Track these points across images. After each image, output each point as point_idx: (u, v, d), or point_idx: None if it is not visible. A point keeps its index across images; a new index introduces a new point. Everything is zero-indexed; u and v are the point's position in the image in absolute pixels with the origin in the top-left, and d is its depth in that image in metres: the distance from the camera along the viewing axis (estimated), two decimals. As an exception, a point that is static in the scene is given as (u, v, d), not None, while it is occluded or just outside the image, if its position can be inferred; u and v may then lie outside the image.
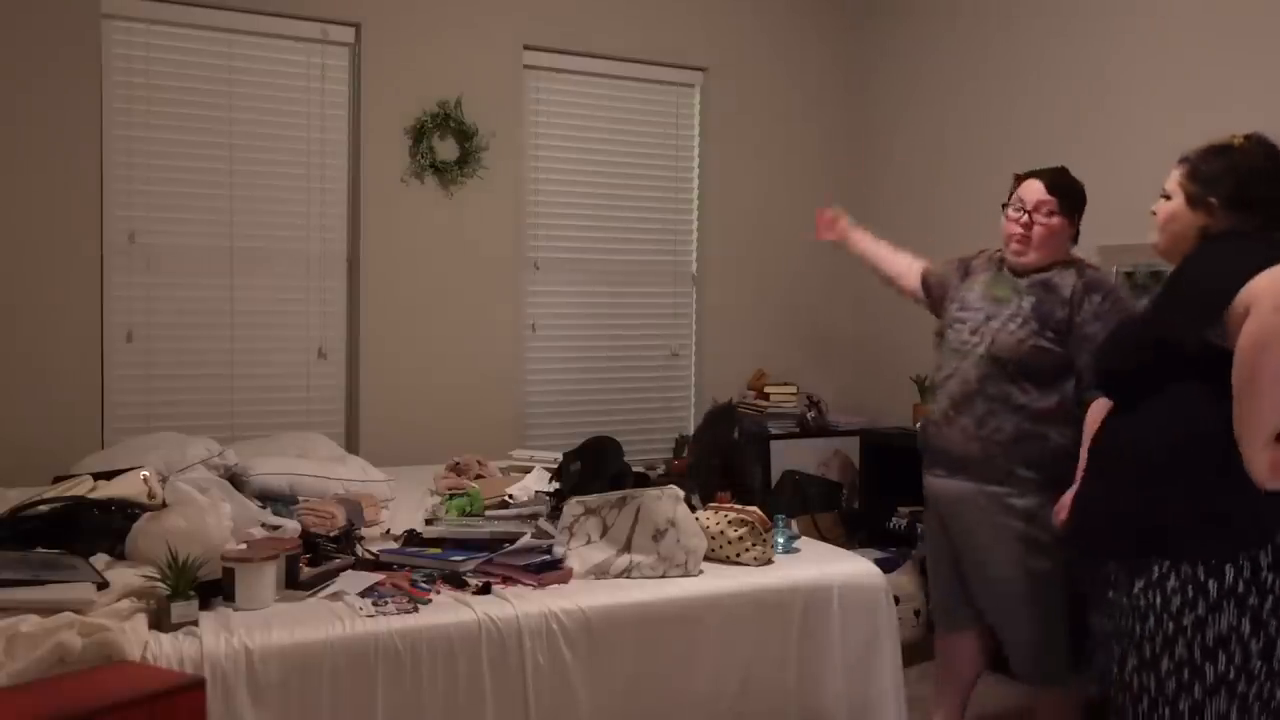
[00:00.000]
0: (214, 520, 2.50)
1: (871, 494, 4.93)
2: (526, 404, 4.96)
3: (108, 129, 4.17)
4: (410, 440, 4.57)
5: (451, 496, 3.43)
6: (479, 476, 3.78)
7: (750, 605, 2.76)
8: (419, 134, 4.66)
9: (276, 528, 2.82)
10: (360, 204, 4.58)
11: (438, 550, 2.86)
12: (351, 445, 4.51)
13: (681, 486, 3.10)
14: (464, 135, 4.74)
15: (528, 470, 3.81)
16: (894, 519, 4.81)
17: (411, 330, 4.67)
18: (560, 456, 3.84)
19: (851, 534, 4.79)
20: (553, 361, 5.04)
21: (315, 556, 2.76)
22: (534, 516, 3.22)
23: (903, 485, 4.84)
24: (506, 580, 2.69)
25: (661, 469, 5.05)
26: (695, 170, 5.36)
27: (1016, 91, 4.71)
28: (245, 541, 2.58)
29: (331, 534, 2.96)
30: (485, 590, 2.61)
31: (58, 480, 3.23)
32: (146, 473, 2.90)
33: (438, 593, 2.59)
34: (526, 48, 4.90)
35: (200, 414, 4.30)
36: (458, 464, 3.89)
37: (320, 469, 3.53)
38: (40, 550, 2.51)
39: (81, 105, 4.09)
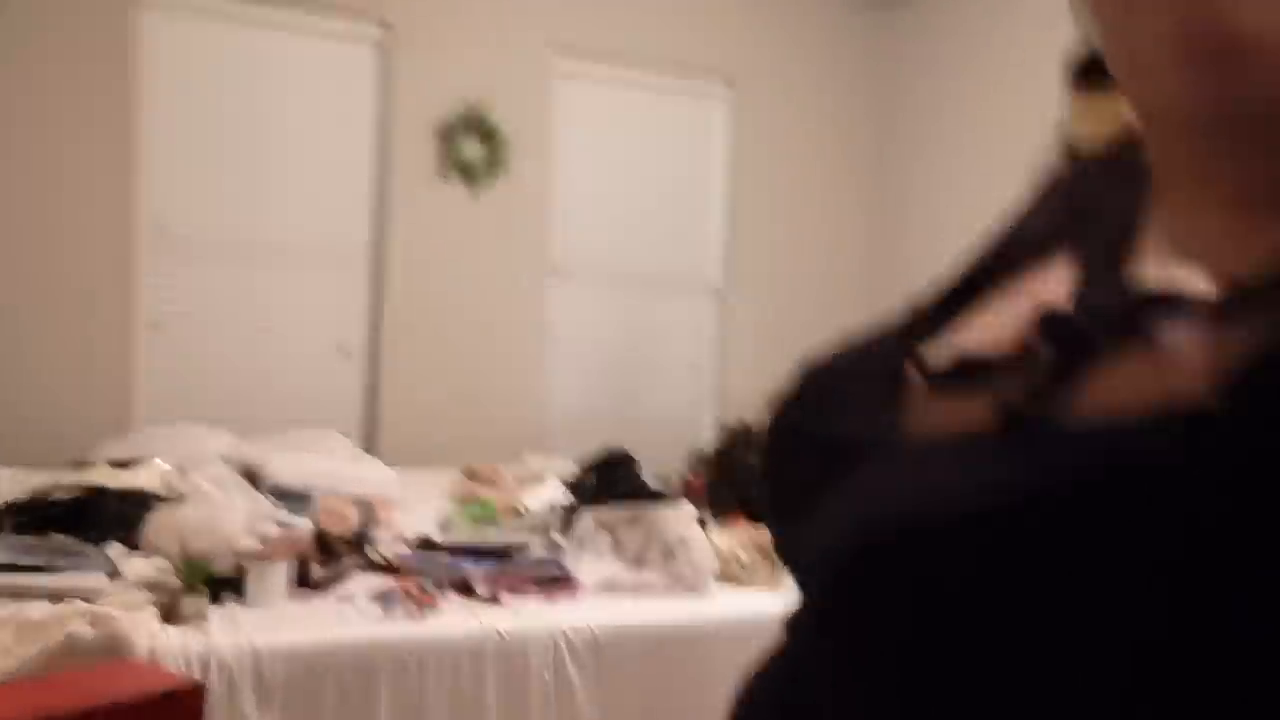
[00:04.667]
0: (228, 515, 2.50)
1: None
2: (544, 410, 4.95)
3: (140, 119, 4.19)
4: (427, 441, 4.57)
5: (466, 504, 3.43)
6: (494, 484, 3.77)
7: (761, 627, 2.74)
8: (447, 134, 4.67)
9: (290, 526, 2.82)
10: (387, 202, 4.59)
11: (449, 557, 2.86)
12: (369, 444, 4.51)
13: (696, 505, 3.09)
14: (491, 137, 4.74)
15: (542, 480, 3.80)
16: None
17: (433, 331, 4.68)
18: (575, 468, 3.85)
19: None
20: (572, 369, 5.04)
21: (328, 557, 2.76)
22: (547, 528, 3.22)
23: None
24: (515, 591, 2.68)
25: (676, 484, 5.05)
26: (722, 182, 5.35)
27: (1055, 91, 4.68)
28: (259, 538, 2.58)
29: (345, 535, 2.97)
30: (494, 600, 2.60)
31: (77, 466, 3.25)
32: (164, 464, 2.90)
33: (447, 600, 2.59)
34: (556, 53, 4.91)
35: (222, 405, 4.31)
36: (474, 471, 3.88)
37: (336, 468, 3.53)
38: (56, 536, 2.52)
39: (114, 93, 4.13)
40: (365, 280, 4.62)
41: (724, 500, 3.58)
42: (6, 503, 2.70)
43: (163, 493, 2.71)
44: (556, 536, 3.10)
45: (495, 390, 4.80)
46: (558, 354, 4.99)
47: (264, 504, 2.82)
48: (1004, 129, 4.91)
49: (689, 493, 5.04)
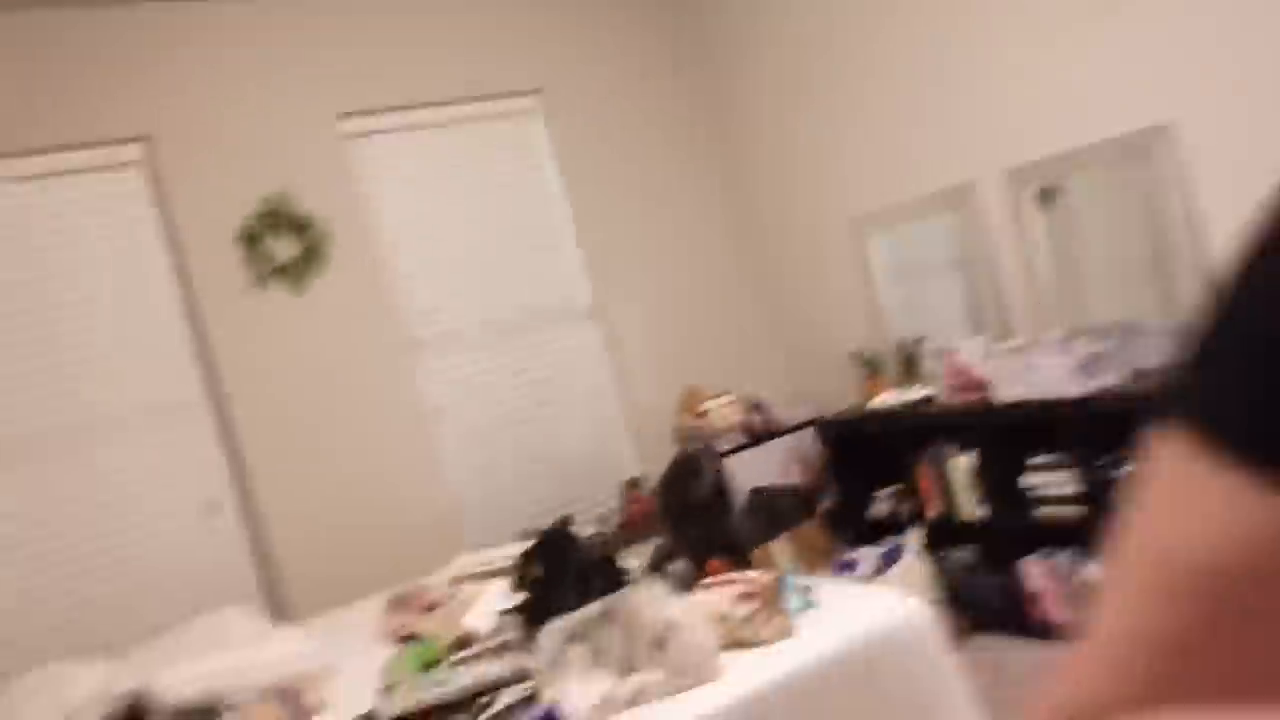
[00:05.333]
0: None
1: (845, 486, 4.54)
2: (453, 499, 4.42)
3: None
4: (339, 579, 4.02)
5: (405, 646, 2.91)
6: (427, 609, 3.25)
7: (787, 695, 2.31)
8: (250, 239, 4.10)
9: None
10: (205, 335, 4.00)
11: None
12: (276, 607, 3.93)
13: (642, 534, 2.65)
14: (301, 228, 4.19)
15: (482, 585, 3.30)
16: (873, 506, 4.45)
17: (304, 458, 4.11)
18: (509, 554, 3.37)
19: (838, 537, 4.39)
20: (469, 442, 4.52)
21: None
22: (505, 649, 2.73)
23: (873, 469, 4.49)
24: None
25: (616, 518, 4.62)
26: (562, 198, 4.88)
27: (877, 55, 4.36)
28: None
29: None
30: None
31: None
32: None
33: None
34: (342, 116, 4.37)
35: (88, 623, 3.69)
36: (401, 599, 3.36)
37: (239, 660, 2.97)
38: None
39: None
40: (211, 427, 4.02)
41: (689, 547, 3.12)
42: None
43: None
44: (521, 658, 2.61)
45: (393, 496, 4.26)
46: (449, 432, 4.47)
47: None
48: (831, 84, 4.58)
49: (631, 524, 4.63)
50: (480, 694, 2.44)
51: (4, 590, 3.61)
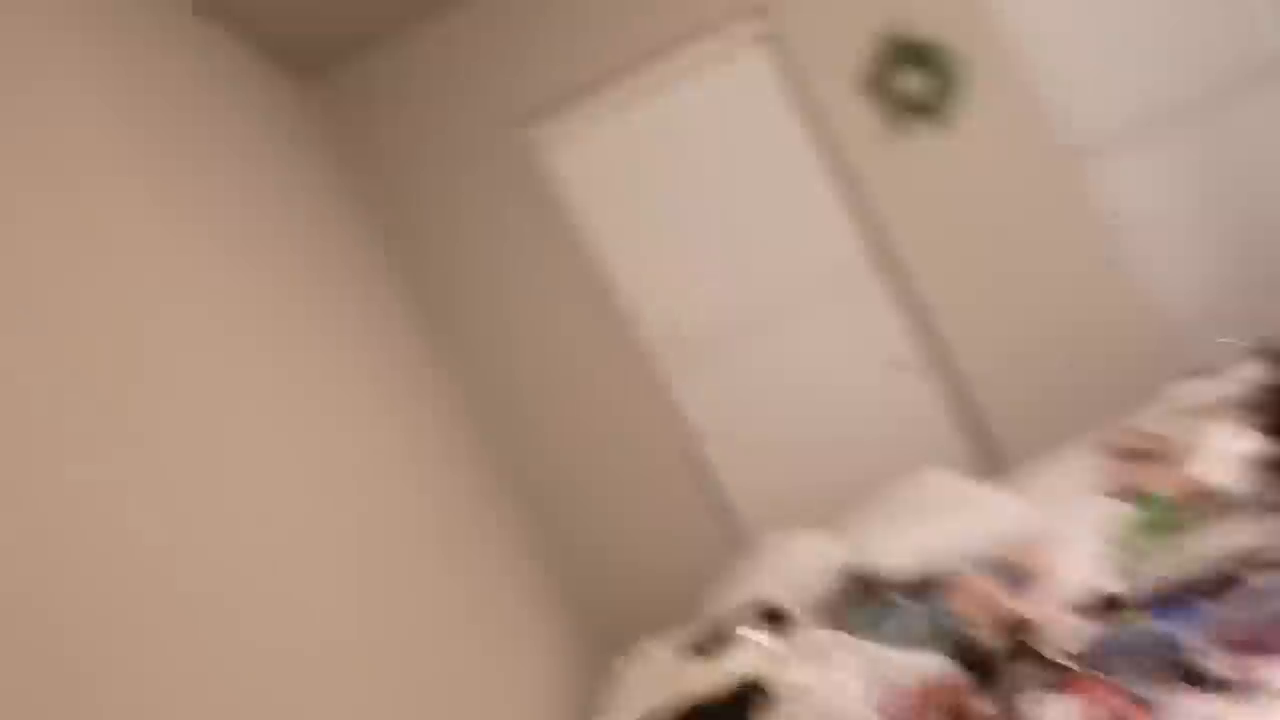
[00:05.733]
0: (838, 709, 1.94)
1: None
2: (1158, 318, 3.87)
3: (586, 236, 3.93)
4: (1044, 423, 3.76)
5: (1135, 507, 2.57)
6: (1157, 457, 2.85)
7: None
8: (877, 83, 3.87)
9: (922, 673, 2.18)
10: (855, 193, 3.90)
11: (1154, 623, 2.05)
12: (982, 461, 3.80)
13: None
14: (926, 57, 3.86)
15: (1205, 422, 2.81)
16: None
17: (983, 298, 3.86)
18: (1241, 382, 2.84)
19: None
20: (1165, 250, 3.90)
21: (986, 678, 2.09)
22: (1260, 507, 2.28)
23: None
24: (1270, 652, 1.81)
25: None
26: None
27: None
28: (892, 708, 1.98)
29: (1006, 632, 2.28)
30: (1248, 685, 1.76)
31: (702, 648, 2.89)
32: (760, 637, 2.43)
33: (1179, 705, 1.79)
34: (954, -84, 3.92)
35: (795, 498, 3.88)
36: (1116, 445, 3.00)
37: (954, 528, 2.85)
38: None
39: (545, 219, 3.92)
40: (882, 284, 3.93)
41: None
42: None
43: (766, 688, 2.20)
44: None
45: (1088, 323, 3.84)
46: (1138, 242, 3.90)
47: (880, 655, 2.20)
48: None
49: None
50: (1234, 572, 2.05)
51: (726, 467, 3.91)
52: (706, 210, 3.93)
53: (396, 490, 2.95)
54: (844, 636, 2.27)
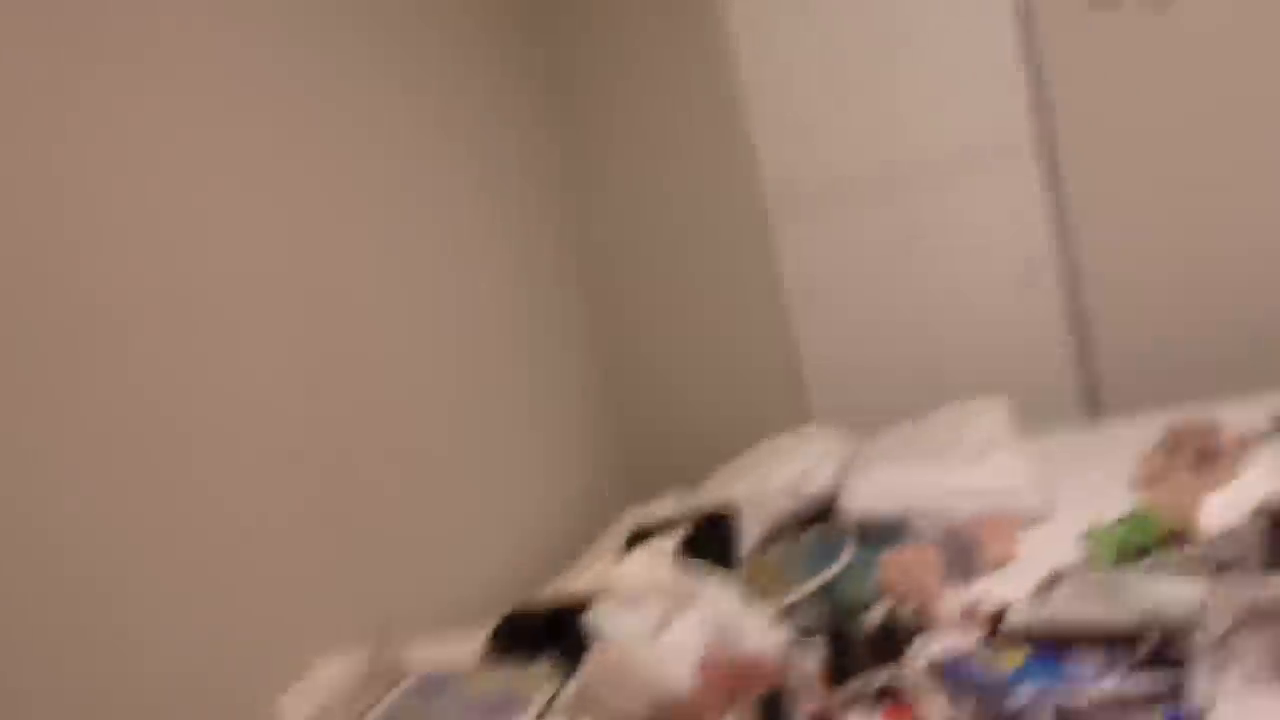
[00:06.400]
0: (645, 655, 1.83)
1: None
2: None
3: (739, 60, 3.61)
4: (1165, 373, 3.27)
5: (1134, 515, 2.21)
6: (1207, 460, 2.43)
7: None
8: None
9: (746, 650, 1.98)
10: (1042, 65, 3.36)
11: (1014, 657, 1.79)
12: (1088, 395, 3.38)
13: None
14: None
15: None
16: None
17: (1142, 220, 3.32)
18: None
19: None
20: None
21: (845, 669, 1.90)
22: (1235, 565, 1.90)
23: None
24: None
25: None
26: None
27: None
28: (707, 673, 1.85)
29: (916, 608, 2.06)
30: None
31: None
32: (648, 559, 2.30)
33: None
34: None
35: (897, 372, 3.58)
36: (1180, 437, 2.56)
37: (951, 476, 2.57)
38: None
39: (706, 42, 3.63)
40: (1038, 174, 3.42)
41: None
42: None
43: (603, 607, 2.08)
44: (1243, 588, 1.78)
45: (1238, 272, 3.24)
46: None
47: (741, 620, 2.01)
48: None
49: None
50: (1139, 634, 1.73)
51: (815, 326, 3.66)
52: (872, 50, 3.50)
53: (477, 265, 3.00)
54: (713, 584, 2.11)
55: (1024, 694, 1.66)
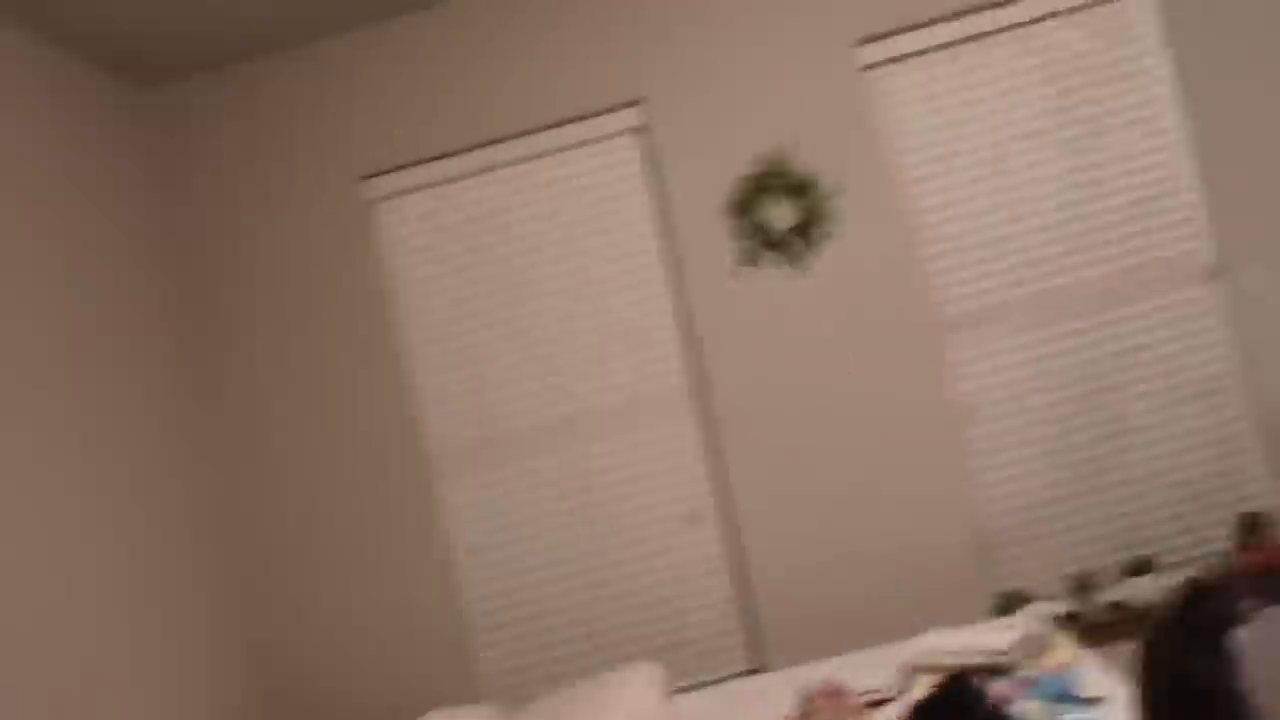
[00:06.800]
0: None
1: None
2: (980, 528, 3.51)
3: (402, 327, 3.66)
4: (823, 622, 3.43)
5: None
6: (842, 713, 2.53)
7: None
8: (742, 208, 3.54)
9: None
10: (691, 319, 3.57)
11: None
12: (751, 645, 3.49)
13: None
14: (801, 191, 3.52)
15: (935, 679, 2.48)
16: None
17: (794, 471, 3.51)
18: (987, 651, 2.52)
19: None
20: (1007, 453, 3.53)
21: None
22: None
23: None
24: None
25: (1225, 568, 3.34)
26: (1167, 94, 3.50)
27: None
28: None
29: None
30: None
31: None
32: None
33: None
34: (862, 42, 3.55)
35: (561, 630, 3.59)
36: (812, 700, 2.67)
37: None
38: None
39: (371, 307, 3.65)
40: (695, 426, 3.60)
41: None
42: None
43: None
44: None
45: (904, 522, 3.48)
46: (987, 439, 3.52)
47: None
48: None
49: (1250, 573, 3.29)
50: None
51: (480, 581, 3.64)
52: (529, 298, 3.64)
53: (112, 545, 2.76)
54: None
55: None
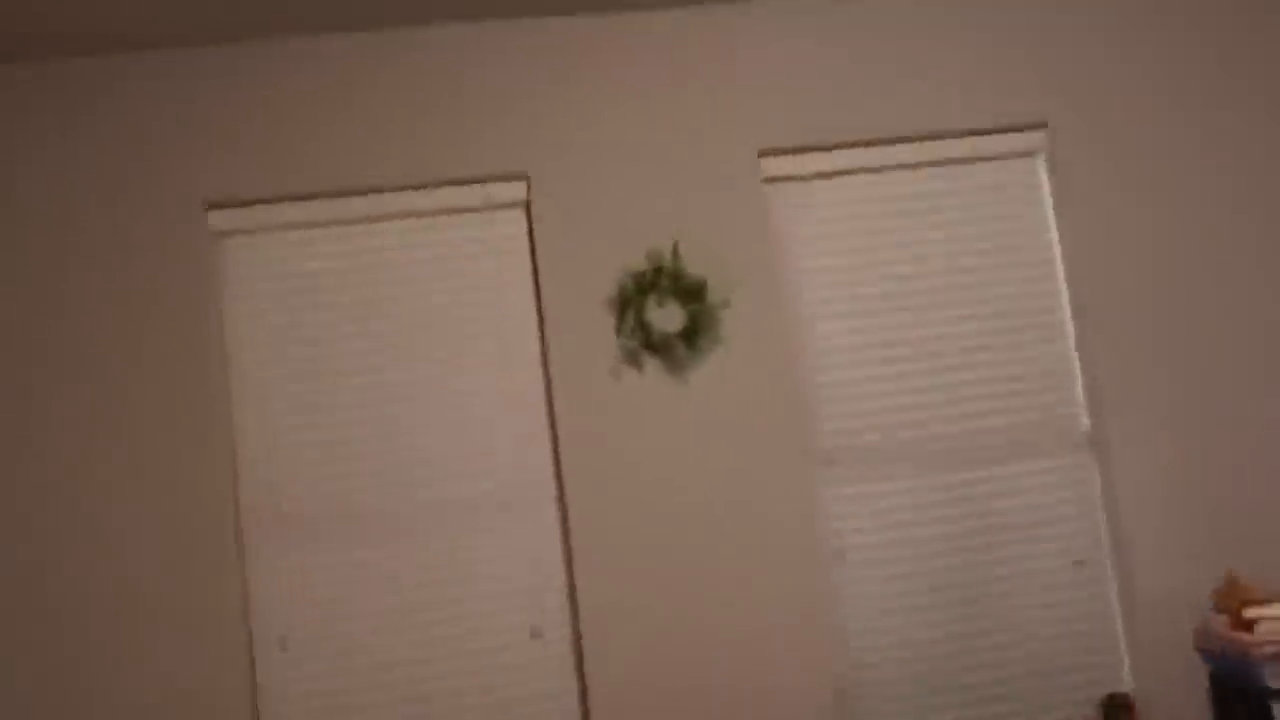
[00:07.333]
0: None
1: None
2: (838, 678, 3.25)
3: (234, 379, 3.20)
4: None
5: None
6: None
7: None
8: (624, 305, 3.28)
9: None
10: (558, 420, 3.24)
11: None
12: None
13: None
14: (690, 294, 3.29)
15: None
16: None
17: (649, 596, 3.18)
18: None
19: None
20: (874, 603, 3.30)
21: None
22: None
23: None
24: None
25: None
26: (1059, 275, 3.48)
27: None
28: None
29: None
30: None
31: None
32: None
33: None
34: (766, 154, 3.41)
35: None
36: None
37: None
38: None
39: (202, 356, 3.16)
40: (554, 529, 3.25)
41: None
42: None
43: None
44: None
45: (759, 664, 3.18)
46: (854, 583, 3.30)
47: None
48: None
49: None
50: None
51: (292, 676, 3.12)
52: (384, 366, 3.25)
53: None
54: None
55: None
